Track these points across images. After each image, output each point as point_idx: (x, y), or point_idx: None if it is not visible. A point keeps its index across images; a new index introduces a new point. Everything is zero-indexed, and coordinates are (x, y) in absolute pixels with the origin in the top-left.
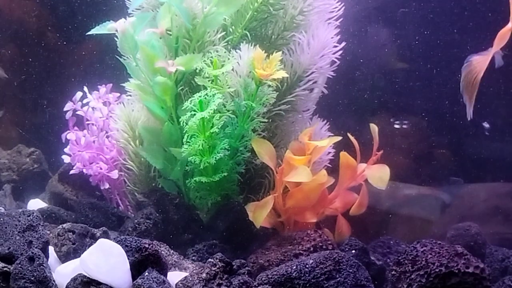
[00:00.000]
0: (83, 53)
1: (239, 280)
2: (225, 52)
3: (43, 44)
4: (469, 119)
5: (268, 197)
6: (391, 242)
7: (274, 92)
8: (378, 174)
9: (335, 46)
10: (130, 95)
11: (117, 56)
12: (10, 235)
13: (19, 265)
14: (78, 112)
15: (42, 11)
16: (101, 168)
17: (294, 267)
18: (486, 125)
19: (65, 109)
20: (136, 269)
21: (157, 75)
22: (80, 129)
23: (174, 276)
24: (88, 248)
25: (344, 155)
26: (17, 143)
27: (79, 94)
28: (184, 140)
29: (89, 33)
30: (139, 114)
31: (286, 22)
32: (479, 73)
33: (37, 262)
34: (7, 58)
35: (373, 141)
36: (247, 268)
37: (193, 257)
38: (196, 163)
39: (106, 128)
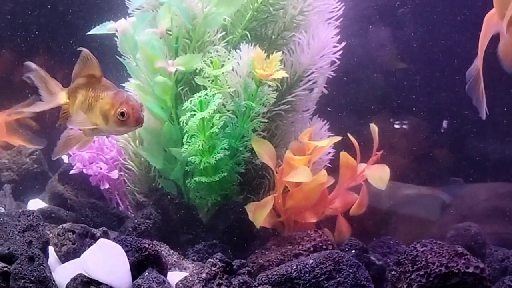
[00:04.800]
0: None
1: (239, 280)
2: (225, 52)
3: (42, 44)
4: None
5: (268, 197)
6: (391, 242)
7: (274, 92)
8: (378, 174)
9: (335, 46)
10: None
11: (117, 56)
12: (10, 235)
13: (19, 265)
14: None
15: (42, 11)
16: (101, 168)
17: (294, 267)
18: (444, 124)
19: None
20: (136, 269)
21: (157, 75)
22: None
23: (174, 276)
24: (88, 248)
25: (344, 155)
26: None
27: None
28: (184, 140)
29: (89, 33)
30: None
31: (286, 22)
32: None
33: (37, 262)
34: (7, 57)
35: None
36: (247, 268)
37: (193, 257)
38: (196, 163)
39: None
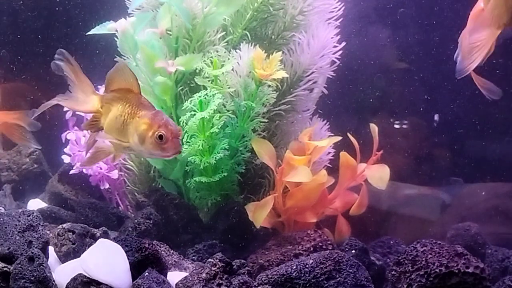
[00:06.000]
0: (83, 52)
1: (239, 280)
2: (225, 52)
3: (42, 44)
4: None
5: (268, 197)
6: (391, 242)
7: (274, 92)
8: (378, 174)
9: (335, 46)
10: None
11: (117, 56)
12: (10, 235)
13: (19, 265)
14: (78, 112)
15: (41, 11)
16: (101, 168)
17: (294, 267)
18: (436, 118)
19: (65, 109)
20: (136, 269)
21: (157, 75)
22: (80, 129)
23: (174, 276)
24: (88, 248)
25: (344, 155)
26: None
27: None
28: (184, 140)
29: (89, 33)
30: None
31: (286, 22)
32: None
33: (37, 262)
34: (7, 58)
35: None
36: (247, 268)
37: (193, 257)
38: (196, 163)
39: None
